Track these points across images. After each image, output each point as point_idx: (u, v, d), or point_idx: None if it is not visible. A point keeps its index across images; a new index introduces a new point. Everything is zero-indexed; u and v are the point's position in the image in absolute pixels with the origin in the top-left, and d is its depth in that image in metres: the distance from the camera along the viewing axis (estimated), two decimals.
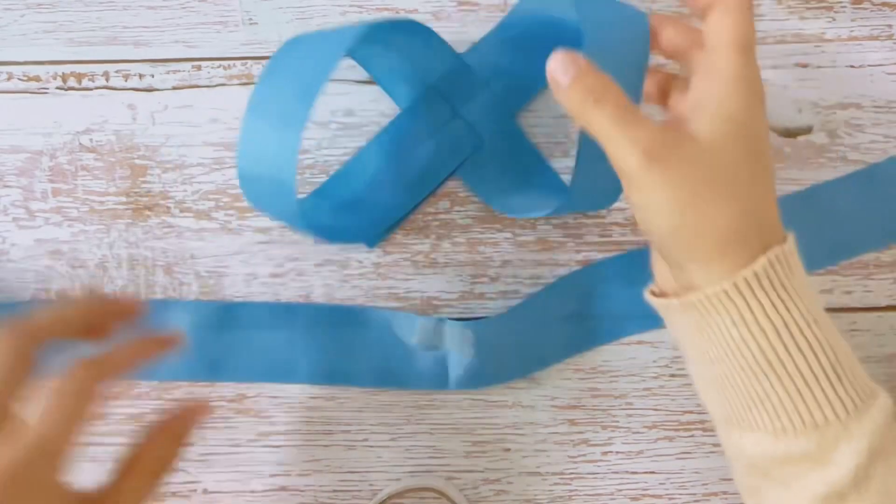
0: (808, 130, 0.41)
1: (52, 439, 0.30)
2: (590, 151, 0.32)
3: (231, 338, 0.41)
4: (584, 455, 0.41)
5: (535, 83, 0.41)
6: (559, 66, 0.31)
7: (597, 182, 0.34)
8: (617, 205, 0.41)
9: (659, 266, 0.34)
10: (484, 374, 0.40)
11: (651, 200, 0.30)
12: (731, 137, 0.30)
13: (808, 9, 0.42)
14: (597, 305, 0.41)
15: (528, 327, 0.40)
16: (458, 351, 0.39)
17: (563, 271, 0.41)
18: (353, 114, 0.42)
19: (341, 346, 0.41)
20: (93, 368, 0.31)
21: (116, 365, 0.32)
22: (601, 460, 0.41)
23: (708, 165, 0.30)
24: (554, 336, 0.41)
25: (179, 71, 0.42)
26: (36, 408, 0.30)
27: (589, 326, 0.41)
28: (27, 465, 0.29)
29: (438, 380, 0.40)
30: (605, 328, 0.41)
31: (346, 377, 0.41)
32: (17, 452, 0.29)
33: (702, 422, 0.41)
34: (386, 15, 0.42)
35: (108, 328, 0.34)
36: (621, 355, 0.41)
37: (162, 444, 0.33)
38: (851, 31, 0.42)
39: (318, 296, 0.41)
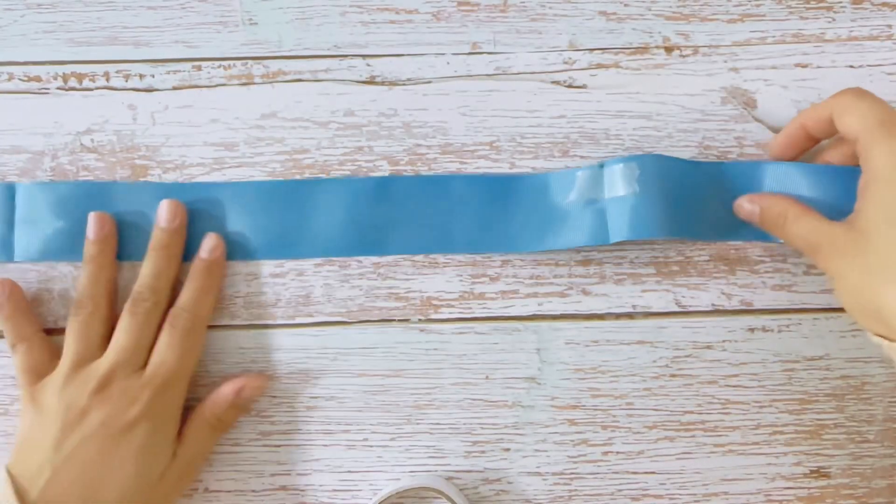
0: None
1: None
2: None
3: (387, 211, 0.41)
4: (584, 455, 0.41)
5: None
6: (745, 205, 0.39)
7: None
8: None
9: None
10: (648, 216, 0.38)
11: (834, 284, 0.37)
12: (882, 224, 0.34)
13: (808, 9, 0.42)
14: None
15: (699, 182, 0.40)
16: (621, 191, 0.39)
17: (562, 271, 0.41)
18: (353, 114, 0.42)
19: (496, 214, 0.40)
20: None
21: None
22: (601, 460, 0.41)
23: (864, 255, 0.34)
24: (720, 207, 0.40)
25: (179, 71, 0.42)
26: None
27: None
28: None
29: (597, 233, 0.39)
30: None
31: (503, 243, 0.41)
32: None
33: (702, 422, 0.41)
34: (386, 15, 0.42)
35: None
36: (621, 355, 0.41)
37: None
38: (851, 31, 0.42)
39: (319, 296, 0.41)
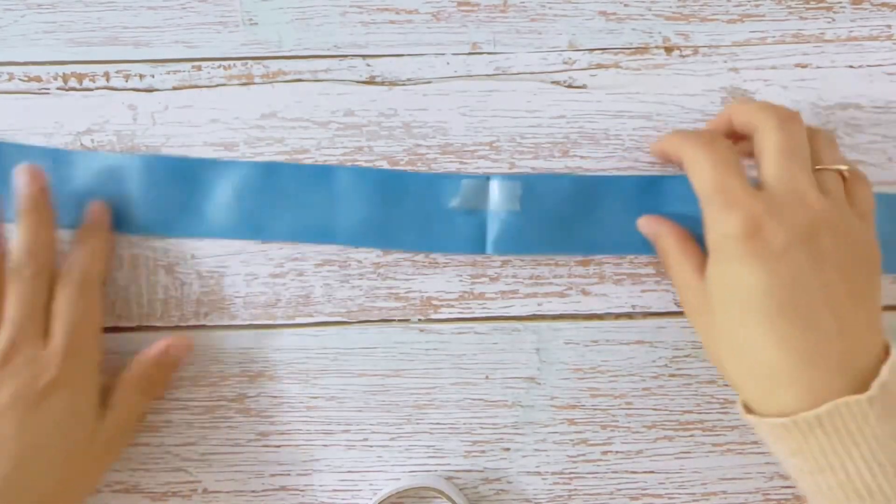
0: None
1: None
2: None
3: (271, 197, 0.41)
4: (583, 455, 0.41)
5: None
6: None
7: None
8: None
9: None
10: (524, 236, 0.40)
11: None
12: (718, 297, 0.34)
13: (808, 9, 0.42)
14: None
15: (583, 200, 0.40)
16: (502, 207, 0.40)
17: (562, 271, 0.41)
18: (353, 114, 0.42)
19: (381, 208, 0.41)
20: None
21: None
22: (601, 460, 0.41)
23: (710, 322, 0.35)
24: (607, 224, 0.40)
25: (179, 71, 0.42)
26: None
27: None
28: None
29: (476, 243, 0.40)
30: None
31: (384, 239, 0.41)
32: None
33: (701, 422, 0.41)
34: (386, 15, 0.42)
35: None
36: (621, 355, 0.41)
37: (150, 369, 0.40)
38: (851, 31, 0.42)
39: (319, 296, 0.41)
